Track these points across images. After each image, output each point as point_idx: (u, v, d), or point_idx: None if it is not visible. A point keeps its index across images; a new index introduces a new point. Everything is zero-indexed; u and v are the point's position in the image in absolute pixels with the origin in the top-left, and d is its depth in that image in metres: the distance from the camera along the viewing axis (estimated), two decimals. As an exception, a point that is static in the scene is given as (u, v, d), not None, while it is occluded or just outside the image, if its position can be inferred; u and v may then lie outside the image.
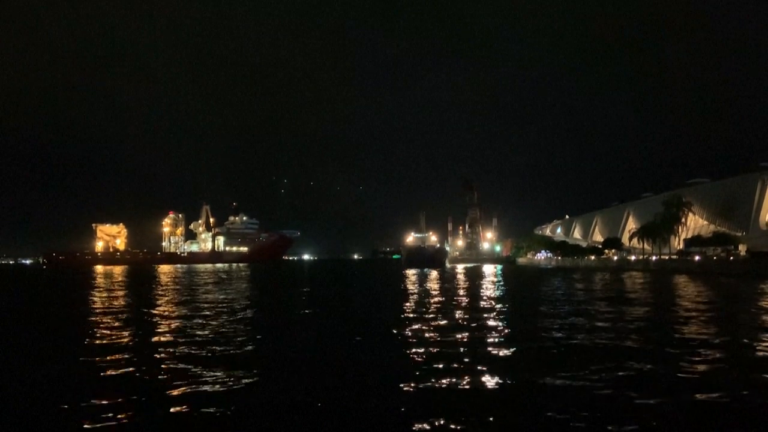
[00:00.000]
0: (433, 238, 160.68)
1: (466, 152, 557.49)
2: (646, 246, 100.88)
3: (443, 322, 21.93)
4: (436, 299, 33.82)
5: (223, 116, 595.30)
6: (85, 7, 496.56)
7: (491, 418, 9.47)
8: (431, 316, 24.47)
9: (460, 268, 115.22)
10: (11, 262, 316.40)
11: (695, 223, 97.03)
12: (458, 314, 24.99)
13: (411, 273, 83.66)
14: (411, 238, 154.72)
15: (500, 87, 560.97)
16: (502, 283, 55.45)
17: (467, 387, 11.50)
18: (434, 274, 79.57)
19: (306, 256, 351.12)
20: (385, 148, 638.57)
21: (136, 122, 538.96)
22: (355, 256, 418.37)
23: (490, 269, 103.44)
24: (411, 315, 25.04)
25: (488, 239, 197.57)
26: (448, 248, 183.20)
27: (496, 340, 17.64)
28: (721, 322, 22.11)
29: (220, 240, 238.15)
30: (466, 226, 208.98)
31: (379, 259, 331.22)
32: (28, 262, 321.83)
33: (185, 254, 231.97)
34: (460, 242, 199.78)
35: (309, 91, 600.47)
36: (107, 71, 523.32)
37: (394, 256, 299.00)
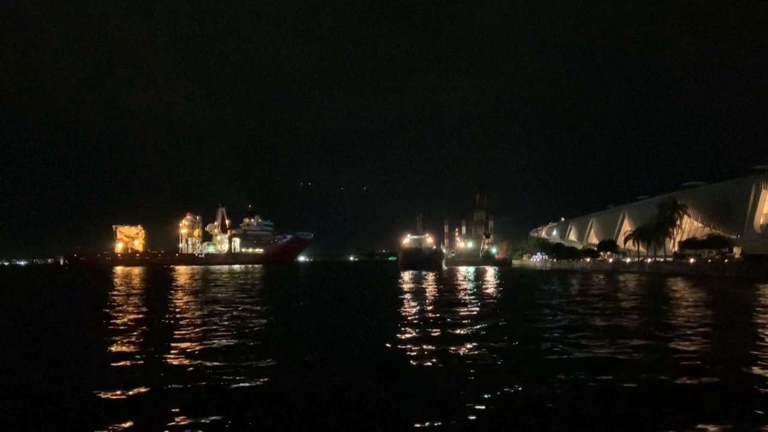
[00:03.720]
0: (429, 239, 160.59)
1: (464, 154, 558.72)
2: (641, 248, 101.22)
3: (440, 327, 22.15)
4: (433, 304, 34.03)
5: (224, 117, 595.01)
6: (86, 7, 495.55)
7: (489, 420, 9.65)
8: (429, 317, 24.75)
9: (461, 270, 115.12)
10: (5, 264, 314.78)
11: (690, 226, 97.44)
12: (455, 322, 25.17)
13: (408, 275, 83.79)
14: (407, 240, 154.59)
15: (499, 88, 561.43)
16: (498, 287, 55.62)
17: (466, 390, 11.67)
18: (431, 276, 79.73)
19: (302, 258, 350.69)
20: (383, 149, 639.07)
21: (138, 123, 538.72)
22: (351, 258, 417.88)
23: (487, 272, 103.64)
24: (409, 318, 25.28)
25: (486, 242, 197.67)
26: (444, 250, 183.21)
27: (493, 353, 17.82)
28: (715, 325, 22.36)
29: (237, 242, 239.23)
30: (463, 228, 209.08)
31: (375, 261, 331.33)
32: (22, 263, 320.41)
33: (202, 255, 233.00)
34: (461, 244, 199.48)
35: (309, 92, 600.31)
36: (108, 72, 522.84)
37: (390, 258, 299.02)
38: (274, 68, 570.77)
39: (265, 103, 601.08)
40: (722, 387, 11.61)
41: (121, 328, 22.24)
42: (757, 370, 13.12)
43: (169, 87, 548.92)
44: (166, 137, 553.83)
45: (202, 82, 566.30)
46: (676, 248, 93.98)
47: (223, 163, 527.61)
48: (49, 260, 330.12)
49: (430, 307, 30.07)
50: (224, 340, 18.30)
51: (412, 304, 32.58)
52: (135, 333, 20.74)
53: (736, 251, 79.86)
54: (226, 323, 23.07)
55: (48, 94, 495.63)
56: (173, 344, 17.69)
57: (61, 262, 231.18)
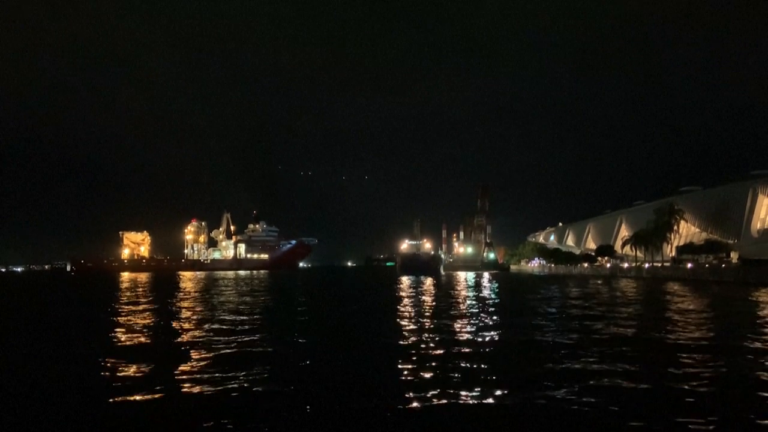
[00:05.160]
0: (427, 245, 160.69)
1: (464, 154, 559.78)
2: (638, 253, 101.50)
3: (439, 328, 22.26)
4: (432, 309, 34.12)
5: (224, 117, 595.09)
6: (85, 6, 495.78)
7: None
8: (425, 318, 24.86)
9: (460, 275, 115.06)
10: (3, 270, 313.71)
11: (687, 231, 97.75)
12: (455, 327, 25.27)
13: (406, 280, 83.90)
14: (405, 245, 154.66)
15: (500, 88, 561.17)
16: (497, 292, 55.73)
17: (465, 393, 11.76)
18: (429, 281, 79.77)
19: (300, 264, 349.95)
20: (382, 149, 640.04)
21: (138, 124, 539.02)
22: (349, 264, 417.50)
23: (486, 278, 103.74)
24: (408, 320, 25.41)
25: (487, 249, 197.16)
26: (442, 255, 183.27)
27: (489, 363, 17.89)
28: (713, 328, 22.50)
29: (242, 247, 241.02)
30: (461, 233, 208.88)
31: (373, 266, 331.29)
32: (19, 269, 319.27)
33: (208, 261, 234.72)
34: (461, 249, 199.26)
35: (310, 92, 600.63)
36: (108, 72, 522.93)
37: (388, 263, 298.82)
38: (274, 69, 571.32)
39: (265, 104, 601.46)
40: (722, 393, 11.71)
41: (128, 328, 22.29)
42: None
43: (169, 87, 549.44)
44: (166, 138, 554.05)
45: (202, 83, 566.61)
46: (674, 253, 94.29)
47: (223, 164, 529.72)
48: (47, 266, 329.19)
49: (429, 313, 30.13)
50: (228, 342, 18.34)
51: (412, 308, 32.64)
52: (141, 333, 20.79)
53: (734, 256, 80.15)
54: (230, 326, 23.10)
55: (48, 94, 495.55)
56: (176, 344, 17.76)
57: (68, 268, 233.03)
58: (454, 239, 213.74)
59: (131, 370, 14.04)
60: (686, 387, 11.54)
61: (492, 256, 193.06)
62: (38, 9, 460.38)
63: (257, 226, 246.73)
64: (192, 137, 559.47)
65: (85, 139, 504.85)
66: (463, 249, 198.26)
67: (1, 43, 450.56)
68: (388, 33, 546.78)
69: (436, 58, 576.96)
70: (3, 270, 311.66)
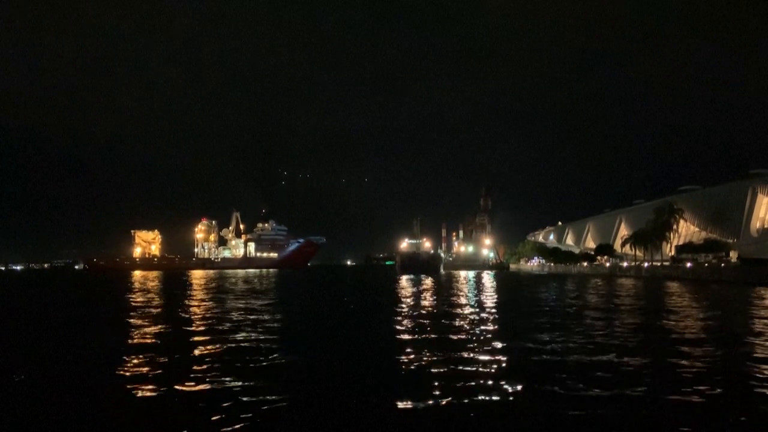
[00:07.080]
0: (427, 244, 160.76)
1: (463, 154, 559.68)
2: (638, 253, 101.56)
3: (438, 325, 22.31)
4: (433, 309, 34.13)
5: (224, 117, 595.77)
6: (85, 6, 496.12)
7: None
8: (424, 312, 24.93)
9: (461, 274, 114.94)
10: (2, 268, 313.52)
11: (687, 230, 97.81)
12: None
13: (406, 279, 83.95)
14: (405, 244, 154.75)
15: (499, 88, 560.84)
16: (498, 291, 55.77)
17: (465, 393, 11.77)
18: (429, 280, 79.81)
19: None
20: (382, 149, 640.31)
21: (140, 124, 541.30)
22: (349, 263, 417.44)
23: (486, 277, 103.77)
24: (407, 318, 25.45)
25: (486, 246, 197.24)
26: (442, 254, 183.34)
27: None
28: (711, 327, 22.55)
29: (252, 246, 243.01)
30: (460, 232, 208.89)
31: (373, 265, 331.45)
32: (18, 268, 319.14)
33: (218, 260, 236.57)
34: (462, 248, 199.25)
35: (309, 93, 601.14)
36: (108, 72, 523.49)
37: (387, 262, 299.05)
38: (274, 69, 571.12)
39: (265, 104, 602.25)
40: (722, 397, 11.74)
41: (129, 327, 22.33)
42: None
43: (170, 87, 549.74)
44: (167, 138, 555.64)
45: (203, 83, 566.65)
46: (673, 252, 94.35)
47: (224, 164, 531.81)
48: (46, 265, 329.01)
49: (428, 313, 30.17)
50: (229, 342, 18.36)
51: (412, 308, 32.68)
52: (142, 332, 20.82)
53: (733, 255, 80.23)
54: (231, 325, 23.11)
55: (47, 94, 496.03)
56: (177, 343, 17.77)
57: (81, 266, 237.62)
58: (454, 238, 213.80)
59: (130, 368, 14.05)
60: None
61: (492, 255, 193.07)
62: (39, 10, 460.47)
63: (266, 224, 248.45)
64: (192, 137, 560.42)
65: (86, 140, 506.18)
66: (463, 248, 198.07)
67: (4, 43, 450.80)
68: (388, 33, 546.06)
69: (436, 59, 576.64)
70: (2, 268, 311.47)
